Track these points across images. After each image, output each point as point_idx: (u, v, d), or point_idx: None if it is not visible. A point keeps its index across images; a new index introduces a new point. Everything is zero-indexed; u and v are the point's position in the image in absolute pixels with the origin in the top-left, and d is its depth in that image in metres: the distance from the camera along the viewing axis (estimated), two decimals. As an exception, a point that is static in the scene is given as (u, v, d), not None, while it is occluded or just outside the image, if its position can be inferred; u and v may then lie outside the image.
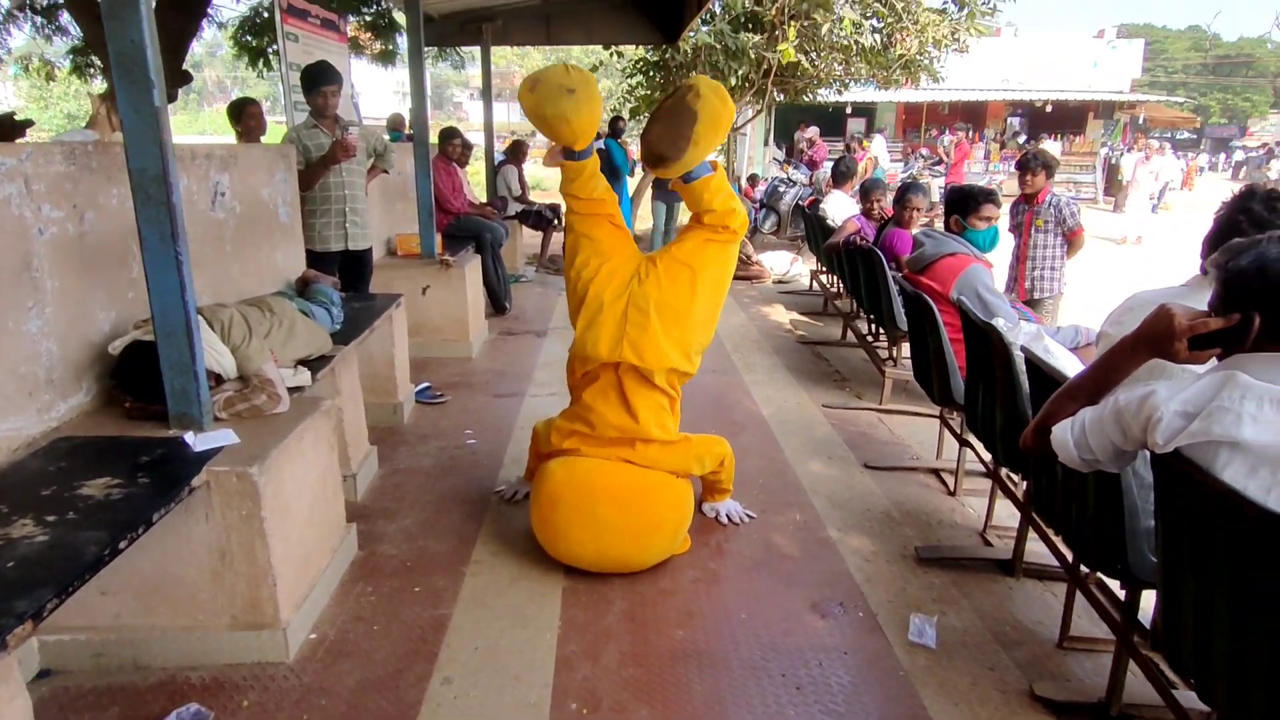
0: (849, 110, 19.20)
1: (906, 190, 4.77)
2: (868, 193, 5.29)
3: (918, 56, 7.61)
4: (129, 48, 1.99)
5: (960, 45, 7.42)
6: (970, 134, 20.45)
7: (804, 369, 5.13)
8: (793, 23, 6.90)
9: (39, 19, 8.63)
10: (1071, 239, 4.50)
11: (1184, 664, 1.55)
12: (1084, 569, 2.18)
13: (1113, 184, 19.30)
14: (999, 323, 2.63)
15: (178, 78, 6.27)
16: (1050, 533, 2.44)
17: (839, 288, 6.62)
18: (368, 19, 9.52)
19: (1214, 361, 1.46)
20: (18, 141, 4.01)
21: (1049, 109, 19.31)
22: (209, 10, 8.88)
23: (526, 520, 2.83)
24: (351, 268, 4.33)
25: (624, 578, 2.62)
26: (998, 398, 2.57)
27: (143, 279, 2.14)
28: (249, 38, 8.84)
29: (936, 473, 3.55)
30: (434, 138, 6.54)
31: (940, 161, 13.80)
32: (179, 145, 2.38)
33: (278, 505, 2.14)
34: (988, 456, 2.95)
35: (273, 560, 2.11)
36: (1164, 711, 1.86)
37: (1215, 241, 1.84)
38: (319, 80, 4.06)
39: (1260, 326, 1.33)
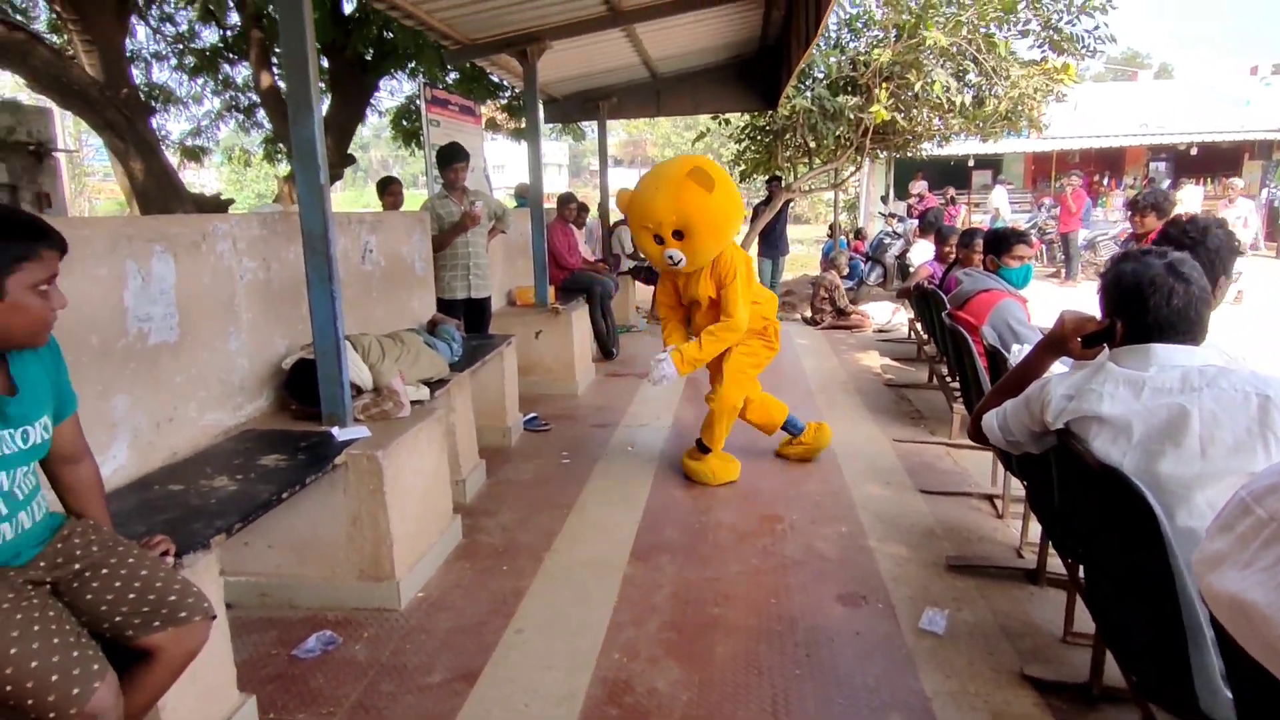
0: (971, 163, 19.01)
1: (972, 235, 4.97)
2: (944, 238, 5.54)
3: (1016, 109, 7.76)
4: (304, 143, 2.75)
5: (1058, 95, 7.51)
6: (1106, 181, 19.61)
7: (884, 408, 5.38)
8: (885, 84, 7.28)
9: (241, 115, 10.41)
10: None
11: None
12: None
13: (1276, 228, 17.91)
14: (1013, 349, 2.92)
15: (345, 160, 7.47)
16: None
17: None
18: (503, 102, 10.75)
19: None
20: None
21: (1194, 152, 18.25)
22: (372, 102, 10.39)
23: (600, 520, 3.35)
24: (474, 313, 5.09)
25: (676, 564, 3.07)
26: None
27: (308, 313, 2.87)
28: (404, 123, 10.24)
29: (990, 498, 3.75)
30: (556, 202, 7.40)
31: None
32: (338, 213, 3.15)
33: (397, 485, 2.76)
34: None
35: (391, 528, 2.72)
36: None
37: None
38: (450, 159, 4.89)
39: (1122, 328, 1.65)
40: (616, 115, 8.97)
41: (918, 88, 7.22)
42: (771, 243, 9.20)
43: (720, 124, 9.45)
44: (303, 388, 2.97)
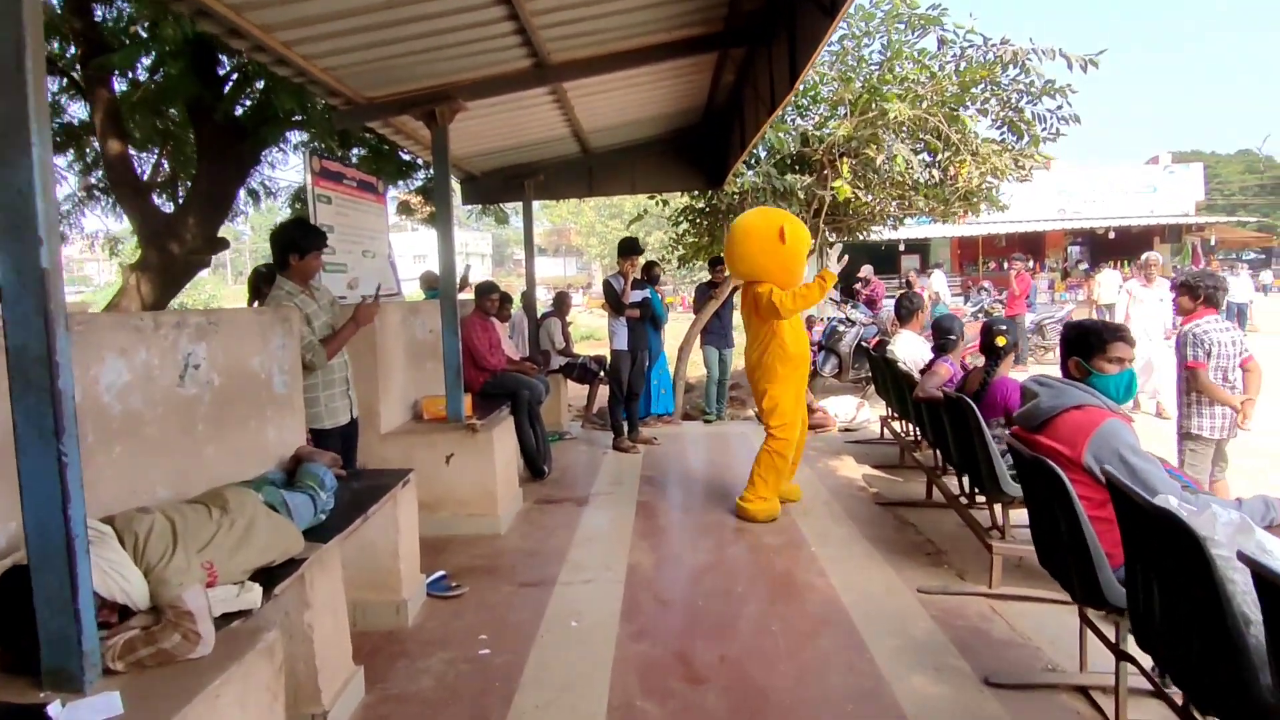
0: (902, 247, 19.02)
1: (993, 328, 4.13)
2: (947, 332, 4.65)
3: (979, 187, 7.21)
4: (15, 197, 1.58)
5: (1024, 174, 7.00)
6: (1031, 265, 19.89)
7: (887, 538, 4.33)
8: (844, 159, 6.60)
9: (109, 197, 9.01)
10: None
11: None
12: None
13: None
14: (1171, 503, 1.91)
15: (213, 243, 6.22)
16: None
17: (915, 435, 5.87)
18: (419, 183, 9.71)
19: None
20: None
21: (1111, 235, 18.72)
22: (266, 182, 9.18)
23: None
24: (349, 439, 3.85)
25: None
26: (1188, 615, 1.81)
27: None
28: (300, 204, 9.04)
29: (1085, 691, 2.69)
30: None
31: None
32: (142, 314, 1.95)
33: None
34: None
35: None
36: None
37: None
38: (303, 241, 3.63)
39: None
40: (544, 195, 8.06)
41: (879, 162, 6.55)
42: (719, 331, 8.28)
43: (658, 204, 8.65)
44: (8, 615, 1.69)
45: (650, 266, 7.69)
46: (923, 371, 4.83)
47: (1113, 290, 16.17)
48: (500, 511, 4.56)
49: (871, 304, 10.55)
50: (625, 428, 6.89)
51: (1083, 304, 15.71)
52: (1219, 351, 4.07)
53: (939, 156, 7.06)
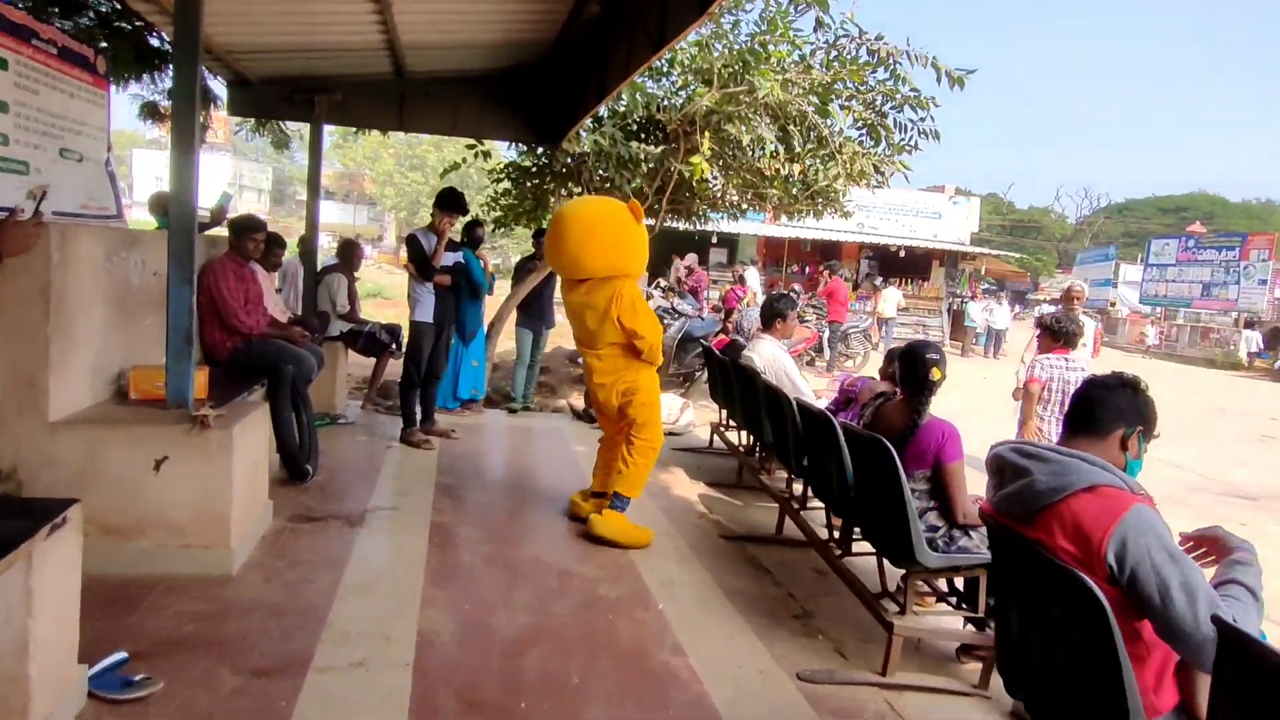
0: (714, 239, 18.92)
1: (922, 354, 3.19)
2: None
3: (828, 188, 6.75)
4: None
5: (883, 179, 6.65)
6: (844, 273, 20.68)
7: (744, 591, 3.57)
8: (705, 134, 5.81)
9: None
10: None
11: None
12: None
13: (957, 329, 20.06)
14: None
15: None
16: None
17: (759, 453, 5.25)
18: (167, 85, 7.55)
19: None
20: None
21: (901, 254, 19.96)
22: None
23: None
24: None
25: None
26: None
27: None
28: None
29: None
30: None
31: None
32: None
33: None
34: None
35: None
36: None
37: None
38: None
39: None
40: (340, 120, 6.49)
41: (746, 141, 5.81)
42: (535, 312, 7.21)
43: (476, 155, 7.36)
44: None
45: (473, 226, 6.46)
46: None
47: (893, 306, 17.26)
48: (234, 541, 3.22)
49: (695, 294, 10.00)
50: (418, 416, 5.65)
51: (869, 314, 16.46)
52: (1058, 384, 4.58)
53: (799, 149, 6.49)
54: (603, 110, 6.89)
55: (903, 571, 2.91)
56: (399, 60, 5.66)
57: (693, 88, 6.19)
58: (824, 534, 3.73)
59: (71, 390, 3.14)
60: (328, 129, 7.02)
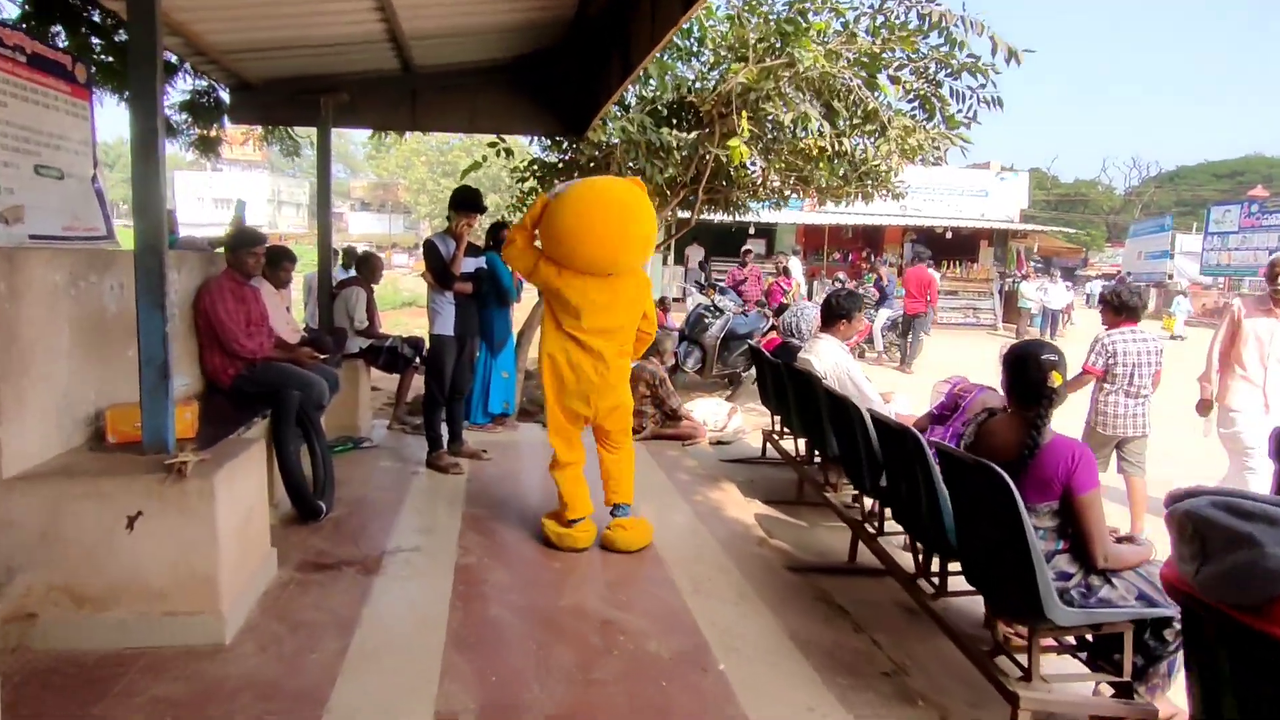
0: (751, 230, 18.25)
1: (1037, 355, 2.54)
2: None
3: (881, 169, 6.13)
4: None
5: (940, 156, 6.02)
6: (871, 258, 19.88)
7: (819, 640, 3.03)
8: (743, 114, 5.24)
9: None
10: None
11: None
12: None
13: (1010, 311, 19.08)
14: None
15: None
16: None
17: (804, 453, 4.68)
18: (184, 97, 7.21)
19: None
20: None
21: (948, 235, 19.08)
22: None
23: None
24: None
25: None
26: None
27: None
28: None
29: None
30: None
31: (881, 287, 12.55)
32: None
33: None
34: None
35: None
36: None
37: None
38: None
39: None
40: (349, 122, 6.07)
41: (787, 120, 5.23)
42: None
43: (499, 153, 6.89)
44: None
45: (498, 228, 6.00)
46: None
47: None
48: (225, 604, 2.78)
49: (740, 292, 9.40)
50: (444, 438, 5.20)
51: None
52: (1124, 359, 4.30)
53: (845, 126, 5.88)
54: (630, 96, 6.39)
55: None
56: (405, 53, 5.21)
57: (725, 66, 5.63)
58: (907, 562, 3.17)
59: (31, 439, 2.73)
60: (358, 139, 6.69)
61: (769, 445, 5.59)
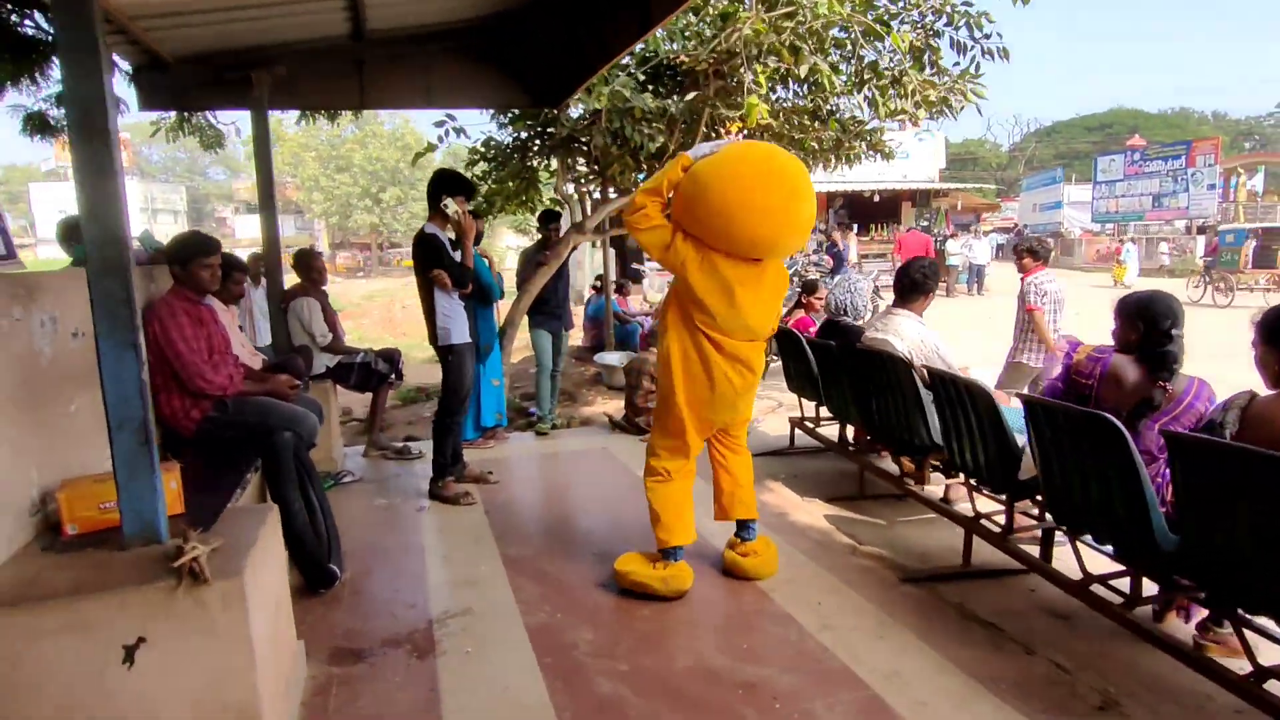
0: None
1: (1150, 305, 2.52)
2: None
3: (906, 111, 5.66)
4: None
5: (953, 111, 5.62)
6: (826, 224, 19.69)
7: (998, 671, 2.54)
8: (757, 66, 4.66)
9: None
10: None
11: None
12: None
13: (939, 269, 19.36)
14: None
15: None
16: None
17: (848, 440, 4.22)
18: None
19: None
20: None
21: (876, 199, 19.16)
22: None
23: None
24: None
25: None
26: None
27: None
28: None
29: None
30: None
31: (836, 254, 12.20)
32: None
33: None
34: None
35: None
36: None
37: None
38: None
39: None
40: (285, 102, 5.16)
41: (802, 73, 4.68)
42: (551, 310, 6.03)
43: (448, 132, 6.06)
44: None
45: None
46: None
47: (854, 253, 16.45)
48: (271, 740, 2.05)
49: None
50: (448, 464, 4.46)
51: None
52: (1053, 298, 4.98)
53: (843, 84, 5.40)
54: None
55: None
56: (360, 12, 4.38)
57: (720, 20, 5.04)
58: (1066, 561, 2.73)
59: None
60: (235, 138, 5.66)
61: (804, 433, 5.11)
